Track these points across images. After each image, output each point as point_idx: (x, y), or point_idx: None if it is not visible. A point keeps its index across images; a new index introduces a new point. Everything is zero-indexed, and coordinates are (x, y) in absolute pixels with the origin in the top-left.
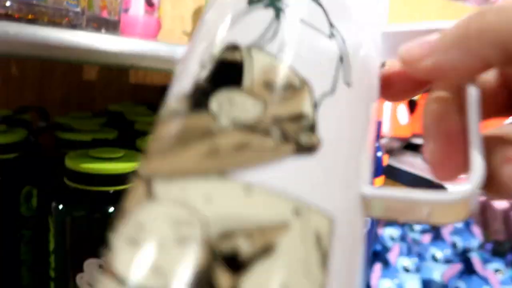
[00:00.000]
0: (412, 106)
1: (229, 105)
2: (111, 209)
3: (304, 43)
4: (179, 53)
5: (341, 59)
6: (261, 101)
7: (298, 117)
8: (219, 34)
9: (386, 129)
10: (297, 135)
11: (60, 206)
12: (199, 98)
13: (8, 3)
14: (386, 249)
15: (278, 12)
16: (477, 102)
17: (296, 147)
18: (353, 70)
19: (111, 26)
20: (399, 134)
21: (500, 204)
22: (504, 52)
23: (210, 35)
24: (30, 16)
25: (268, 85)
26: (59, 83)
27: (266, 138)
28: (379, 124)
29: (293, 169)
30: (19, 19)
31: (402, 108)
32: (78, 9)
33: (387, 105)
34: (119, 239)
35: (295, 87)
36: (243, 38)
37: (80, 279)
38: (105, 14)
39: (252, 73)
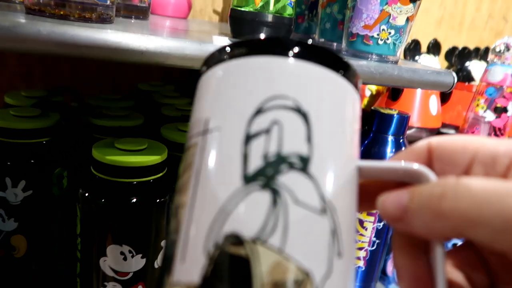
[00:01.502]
0: (444, 97)
1: None
2: (134, 200)
3: (301, 229)
4: (206, 50)
5: (333, 233)
6: None
7: None
8: (218, 219)
9: (415, 120)
10: None
11: (86, 194)
12: None
13: (40, 0)
14: None
15: (274, 196)
16: (443, 258)
17: None
18: (343, 236)
19: (142, 12)
20: (429, 125)
21: None
22: (478, 237)
23: (203, 220)
24: (62, 12)
25: (277, 285)
26: (92, 62)
27: None
28: (408, 117)
29: None
30: (51, 15)
31: (433, 99)
32: (108, 2)
33: (419, 95)
34: None
35: (299, 282)
36: (245, 229)
37: (103, 262)
38: (135, 1)
39: (261, 274)
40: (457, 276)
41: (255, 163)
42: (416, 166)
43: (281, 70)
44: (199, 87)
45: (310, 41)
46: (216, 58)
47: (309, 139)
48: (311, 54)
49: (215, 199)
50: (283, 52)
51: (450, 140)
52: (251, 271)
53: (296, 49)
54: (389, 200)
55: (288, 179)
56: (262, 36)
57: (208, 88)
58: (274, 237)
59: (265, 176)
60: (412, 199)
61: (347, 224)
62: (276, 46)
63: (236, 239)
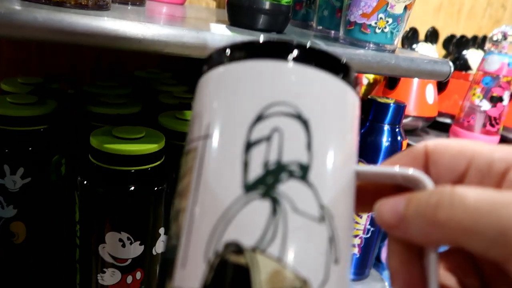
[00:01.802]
0: (441, 86)
1: None
2: (132, 188)
3: (300, 238)
4: (203, 38)
5: (330, 241)
6: None
7: None
8: (219, 227)
9: (411, 109)
10: None
11: (85, 182)
12: None
13: None
14: None
15: (274, 205)
16: (436, 263)
17: None
18: (340, 244)
19: None
20: (425, 114)
21: None
22: (471, 247)
23: (207, 224)
24: None
25: None
26: (88, 49)
27: None
28: (404, 107)
29: None
30: (46, 2)
31: (430, 88)
32: None
33: (415, 84)
34: None
35: None
36: (244, 238)
37: (102, 249)
38: None
39: (261, 284)
40: (450, 279)
41: (255, 171)
42: (411, 171)
43: (282, 76)
44: (199, 87)
45: (309, 43)
46: (216, 59)
47: (309, 147)
48: (311, 58)
49: (215, 206)
50: (284, 56)
51: (446, 145)
52: (251, 280)
53: (296, 53)
54: (386, 207)
55: (288, 188)
56: (263, 38)
57: (208, 91)
58: (273, 246)
59: (265, 184)
60: (408, 207)
61: (344, 230)
62: (276, 50)
63: (236, 248)
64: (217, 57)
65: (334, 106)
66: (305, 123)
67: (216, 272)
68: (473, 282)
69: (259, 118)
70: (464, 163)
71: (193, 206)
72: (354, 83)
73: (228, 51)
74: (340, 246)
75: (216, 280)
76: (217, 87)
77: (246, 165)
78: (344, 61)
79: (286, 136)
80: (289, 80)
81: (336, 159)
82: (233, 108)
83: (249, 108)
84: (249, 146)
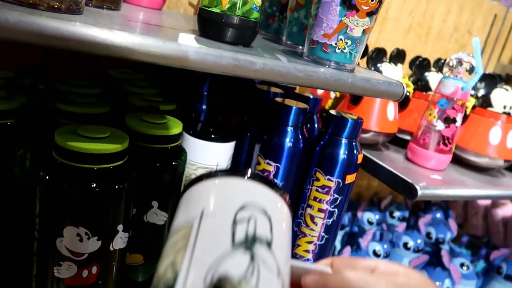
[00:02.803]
0: (402, 104)
1: None
2: (94, 185)
3: (268, 282)
4: (169, 48)
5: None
6: None
7: None
8: (214, 263)
9: (373, 124)
10: None
11: (47, 177)
12: None
13: None
14: (362, 232)
15: (252, 256)
16: None
17: None
18: None
19: (114, 2)
20: (386, 130)
21: (482, 201)
22: None
23: (204, 262)
24: (31, 1)
25: None
26: None
27: None
28: (361, 122)
29: None
30: (19, 3)
31: (391, 106)
32: None
33: (378, 101)
34: None
35: None
36: (234, 271)
37: (59, 242)
38: None
39: None
40: None
41: (239, 237)
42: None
43: (255, 187)
44: (189, 194)
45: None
46: (205, 176)
47: (271, 230)
48: (266, 181)
49: (211, 255)
50: (255, 178)
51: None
52: None
53: (259, 177)
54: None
55: (260, 250)
56: (249, 170)
57: (201, 192)
58: (253, 280)
59: (246, 244)
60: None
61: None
62: (249, 174)
63: (226, 278)
64: (207, 176)
65: (283, 213)
66: (269, 218)
67: None
68: None
69: (242, 208)
70: None
71: (193, 249)
72: (284, 195)
73: (218, 172)
74: None
75: None
76: (210, 189)
77: (233, 234)
78: (276, 183)
79: (258, 221)
80: (259, 191)
81: (284, 247)
82: (225, 201)
83: (236, 201)
84: (235, 222)
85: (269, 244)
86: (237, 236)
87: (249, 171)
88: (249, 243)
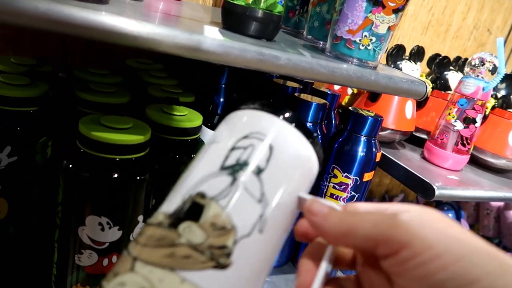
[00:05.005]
0: (420, 102)
1: (188, 231)
2: (115, 175)
3: (241, 203)
4: (195, 40)
5: (260, 216)
6: (206, 233)
7: (222, 247)
8: (198, 183)
9: (390, 122)
10: (219, 257)
11: (70, 166)
12: (176, 220)
13: None
14: None
15: (233, 180)
16: (323, 277)
17: (216, 264)
18: (268, 224)
19: None
20: (403, 128)
21: (495, 202)
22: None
23: (192, 181)
24: None
25: (213, 225)
26: None
27: (202, 255)
28: (381, 121)
29: (211, 276)
30: None
31: (409, 104)
32: None
33: (396, 99)
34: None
35: (226, 229)
36: (209, 191)
37: (81, 231)
38: None
39: (207, 216)
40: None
41: (230, 161)
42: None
43: (272, 122)
44: (224, 120)
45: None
46: (243, 106)
47: (268, 160)
48: (295, 120)
49: (200, 172)
50: (276, 113)
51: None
52: (203, 213)
53: (286, 114)
54: (317, 204)
55: (246, 176)
56: (275, 103)
57: (227, 120)
58: (224, 200)
59: (233, 169)
60: (329, 215)
61: (275, 218)
62: (275, 108)
63: (202, 195)
64: (245, 105)
65: (296, 151)
66: (271, 147)
67: (184, 204)
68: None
69: (245, 137)
70: None
71: (190, 172)
72: (318, 151)
73: (253, 104)
74: (267, 224)
75: (182, 208)
76: (234, 117)
77: (226, 158)
78: (312, 132)
79: (256, 150)
80: (274, 125)
81: (282, 179)
82: (235, 128)
83: (242, 130)
84: (233, 149)
85: (260, 171)
86: (228, 161)
87: (288, 113)
88: (236, 167)
